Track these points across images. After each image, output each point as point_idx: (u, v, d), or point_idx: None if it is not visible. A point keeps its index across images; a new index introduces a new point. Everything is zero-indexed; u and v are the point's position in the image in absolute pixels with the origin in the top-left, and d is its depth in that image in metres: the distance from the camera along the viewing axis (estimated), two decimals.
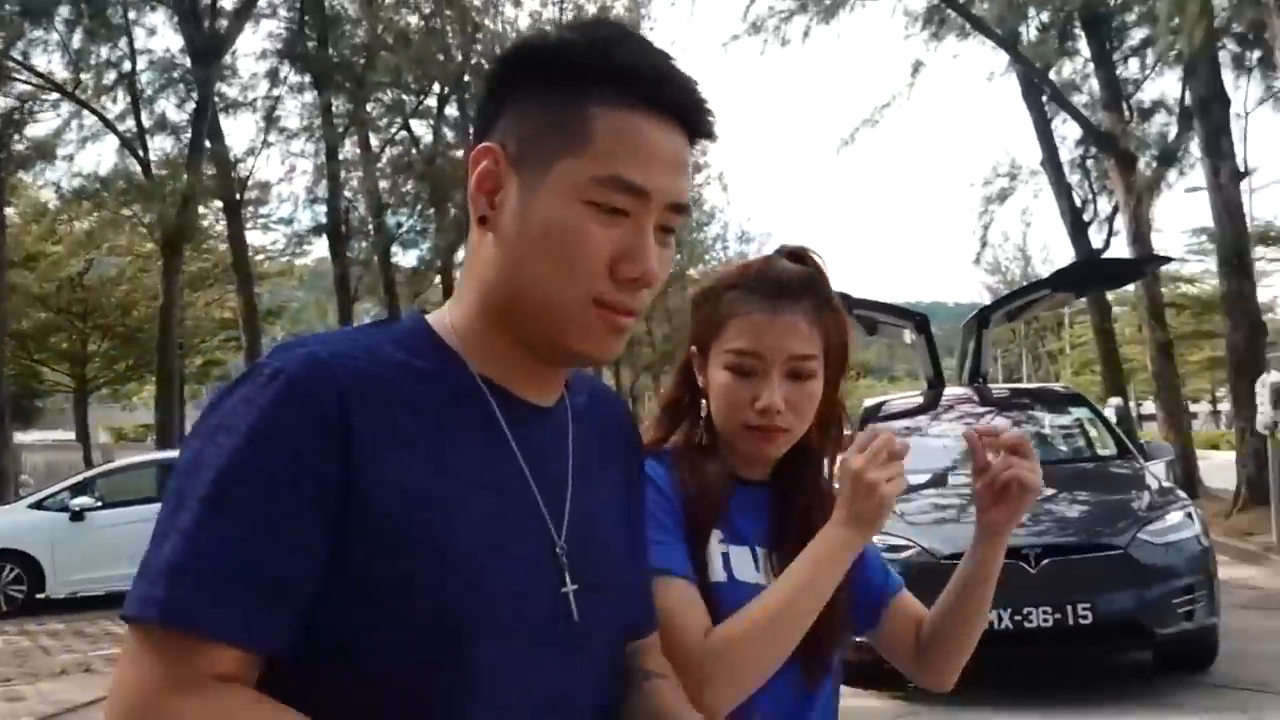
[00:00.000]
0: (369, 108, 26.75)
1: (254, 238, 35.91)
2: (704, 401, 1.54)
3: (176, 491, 0.91)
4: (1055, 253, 70.95)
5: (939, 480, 7.51)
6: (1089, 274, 11.10)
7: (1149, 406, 28.41)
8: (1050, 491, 7.21)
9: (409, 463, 0.95)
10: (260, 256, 36.52)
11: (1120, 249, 19.07)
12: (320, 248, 29.19)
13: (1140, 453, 8.01)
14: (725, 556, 1.46)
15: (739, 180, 71.60)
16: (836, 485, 1.45)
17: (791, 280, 1.48)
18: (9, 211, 27.17)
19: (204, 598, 0.87)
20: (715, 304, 1.51)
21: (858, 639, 1.62)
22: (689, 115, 1.03)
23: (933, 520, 6.79)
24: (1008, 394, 9.14)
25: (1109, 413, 18.35)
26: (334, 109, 24.93)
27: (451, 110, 30.64)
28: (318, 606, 0.91)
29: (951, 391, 9.01)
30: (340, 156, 26.08)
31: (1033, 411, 8.58)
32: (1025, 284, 9.88)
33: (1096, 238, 20.80)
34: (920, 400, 8.92)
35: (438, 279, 29.06)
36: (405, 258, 31.84)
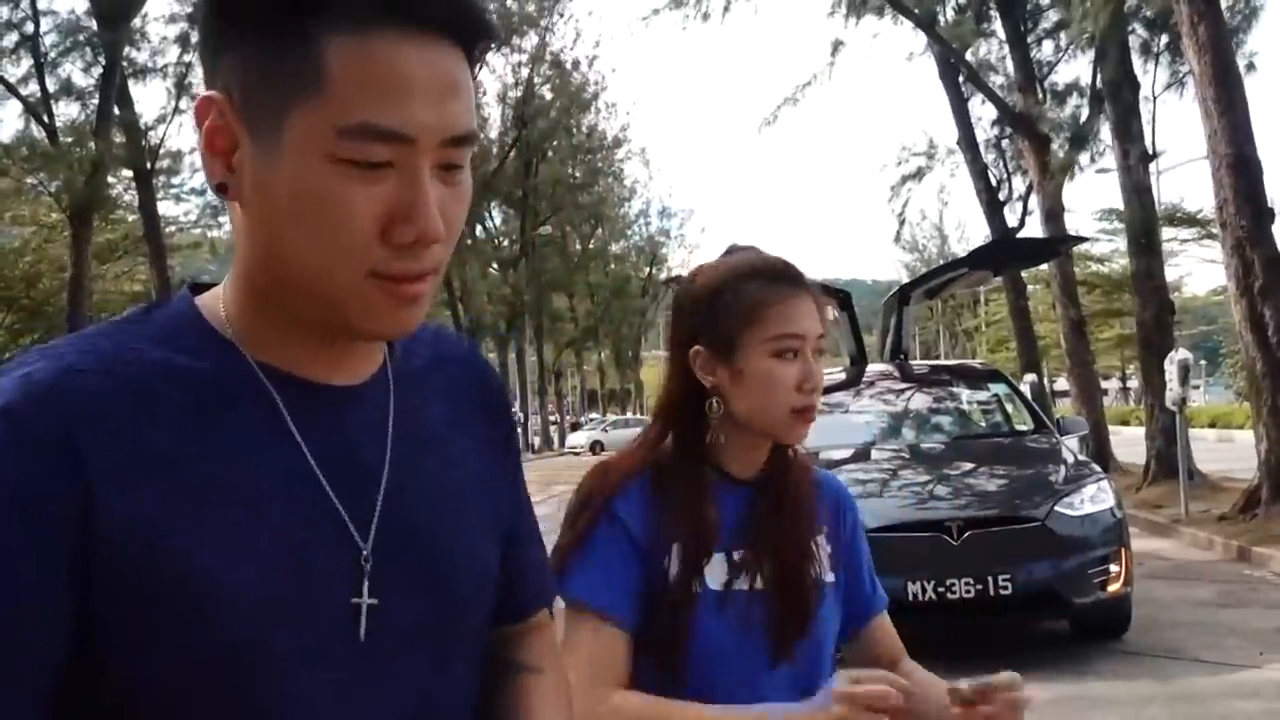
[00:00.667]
0: None
1: (166, 208, 34.99)
2: (714, 401, 1.50)
3: None
4: (971, 231, 72.40)
5: (862, 455, 7.62)
6: (1005, 253, 11.33)
7: (1062, 383, 29.07)
8: (970, 465, 7.37)
9: (163, 489, 0.79)
10: (172, 228, 35.59)
11: (1034, 228, 19.48)
12: None
13: (1056, 428, 8.20)
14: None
15: (662, 156, 71.57)
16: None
17: (793, 268, 1.54)
18: None
19: None
20: (739, 296, 1.49)
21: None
22: (454, 21, 0.82)
23: (857, 495, 6.87)
24: (928, 370, 9.29)
25: (1025, 389, 18.81)
26: None
27: None
28: (73, 677, 0.77)
29: (873, 368, 9.13)
30: None
31: (952, 387, 8.74)
32: (944, 262, 10.07)
33: (1011, 217, 21.22)
34: (843, 377, 9.02)
35: None
36: None
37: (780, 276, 1.51)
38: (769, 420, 1.49)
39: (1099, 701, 5.58)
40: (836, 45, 20.93)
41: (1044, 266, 19.75)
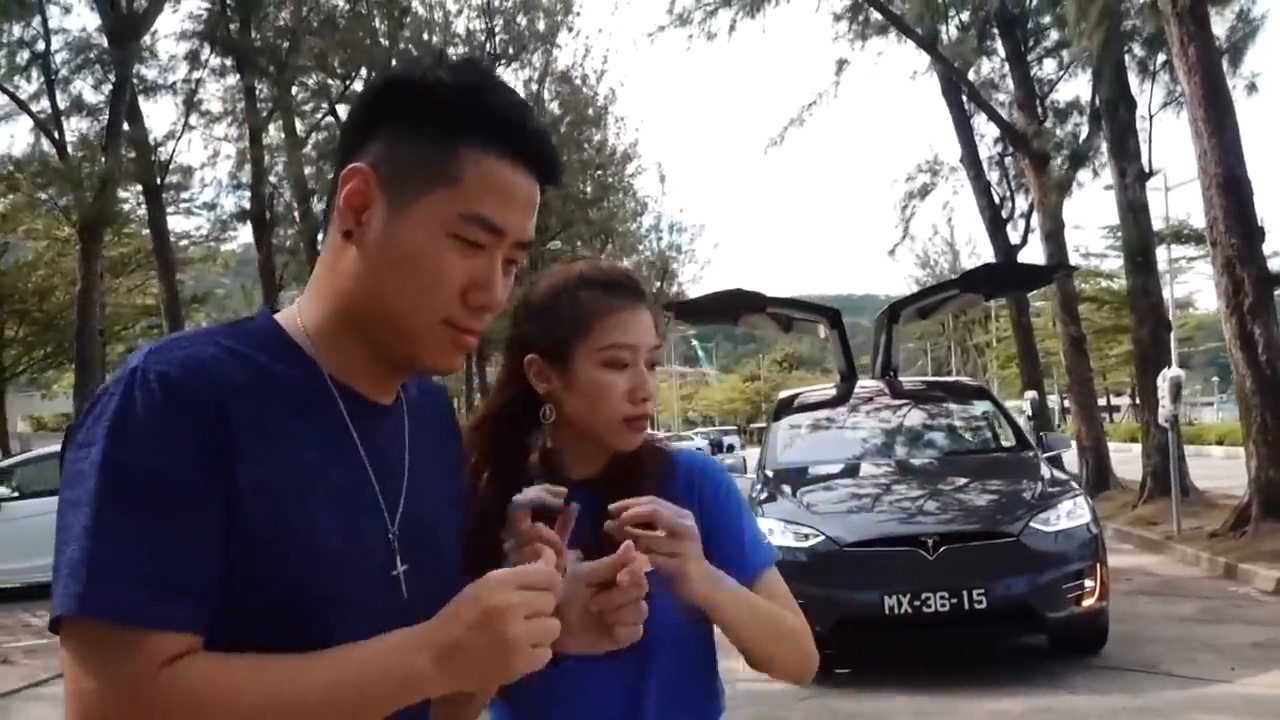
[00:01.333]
0: (293, 92, 26.37)
1: (177, 223, 35.30)
2: (547, 408, 1.52)
3: (83, 495, 0.97)
4: (982, 247, 72.25)
5: (851, 470, 7.73)
6: (997, 277, 11.34)
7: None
8: (950, 482, 7.47)
9: (271, 462, 1.03)
10: (184, 242, 35.88)
11: (1036, 246, 19.56)
12: (245, 234, 28.71)
13: (1039, 445, 8.29)
14: None
15: (674, 171, 71.68)
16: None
17: (631, 278, 1.54)
18: None
19: (141, 592, 0.94)
20: (573, 305, 1.50)
21: None
22: (543, 164, 1.13)
23: (840, 510, 6.99)
24: (916, 387, 9.38)
25: (1024, 406, 18.84)
26: (257, 93, 24.55)
27: None
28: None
29: (864, 384, 9.25)
30: (264, 141, 25.71)
31: (938, 404, 8.84)
32: (935, 283, 10.15)
33: (1014, 234, 21.31)
34: (834, 393, 9.14)
35: None
36: None
37: (615, 287, 1.52)
38: (601, 428, 1.50)
39: (1067, 714, 5.67)
40: (841, 64, 21.13)
41: None
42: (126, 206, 25.84)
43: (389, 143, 1.09)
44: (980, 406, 8.71)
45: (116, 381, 1.02)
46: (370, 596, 1.09)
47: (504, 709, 1.56)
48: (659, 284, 65.95)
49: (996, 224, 21.05)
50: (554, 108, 43.23)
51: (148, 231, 25.76)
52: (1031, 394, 18.82)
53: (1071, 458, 16.64)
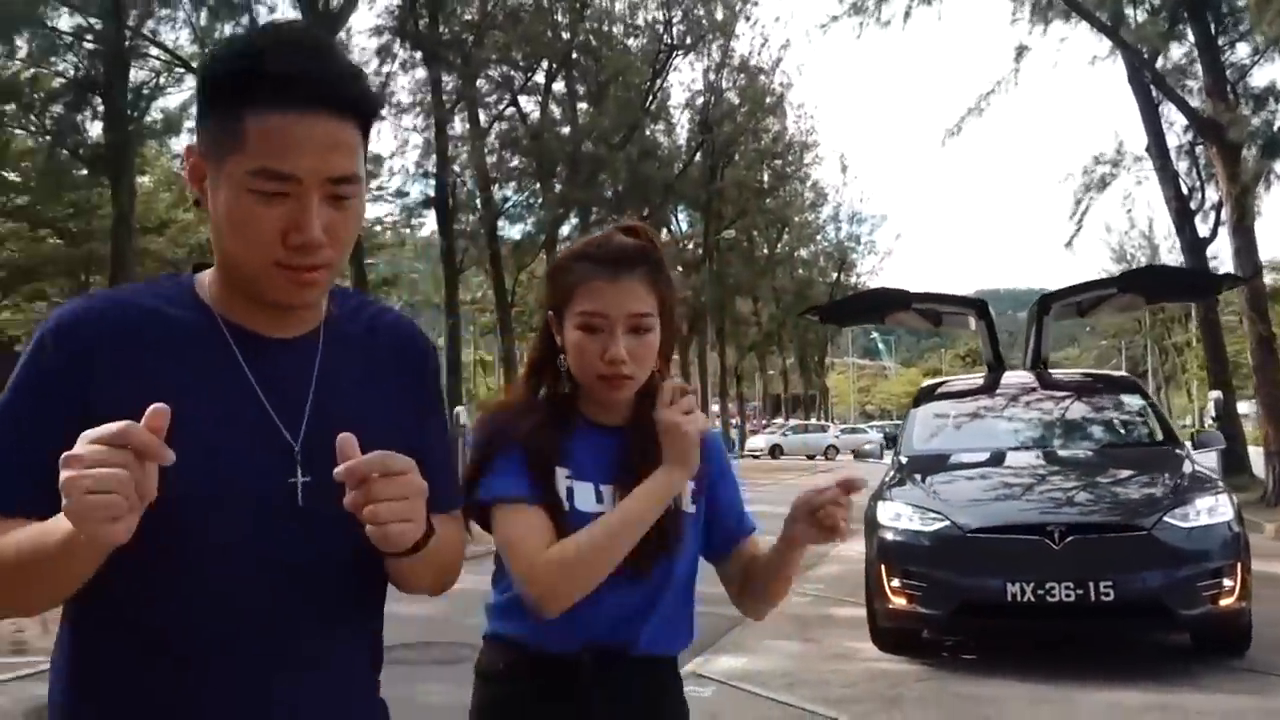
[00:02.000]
0: (478, 84, 27.39)
1: (372, 210, 37.08)
2: (563, 357, 1.78)
3: None
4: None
5: (985, 460, 7.71)
6: (1160, 281, 10.68)
7: None
8: (1088, 473, 7.38)
9: (145, 390, 1.16)
10: (379, 227, 37.68)
11: (1225, 241, 18.62)
12: (433, 221, 30.06)
13: (1193, 442, 8.06)
14: (570, 490, 1.75)
15: (856, 161, 70.67)
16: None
17: (628, 251, 1.76)
18: (144, 180, 28.69)
19: None
20: (566, 274, 1.77)
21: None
22: (343, 103, 1.25)
23: (967, 497, 7.02)
24: (1065, 378, 9.21)
25: (1209, 407, 18.00)
26: (444, 85, 25.64)
27: (559, 86, 31.25)
28: None
29: (1012, 375, 9.16)
30: (449, 132, 26.82)
31: (1088, 396, 8.68)
32: (1092, 280, 9.71)
33: (1203, 227, 20.35)
34: (979, 383, 9.08)
35: (542, 253, 29.68)
36: (511, 231, 32.53)
37: (604, 260, 1.74)
38: (584, 383, 1.76)
39: (1190, 711, 5.58)
40: (1021, 50, 20.59)
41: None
42: None
43: (201, 124, 1.28)
44: (1129, 400, 8.51)
45: (39, 328, 1.31)
46: (257, 500, 1.26)
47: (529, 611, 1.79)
48: (836, 275, 65.35)
49: (1184, 216, 20.13)
50: (731, 96, 43.55)
51: None
52: (1216, 394, 17.93)
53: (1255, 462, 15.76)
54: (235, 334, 1.31)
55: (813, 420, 57.61)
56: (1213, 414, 17.74)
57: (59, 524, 1.10)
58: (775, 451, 47.60)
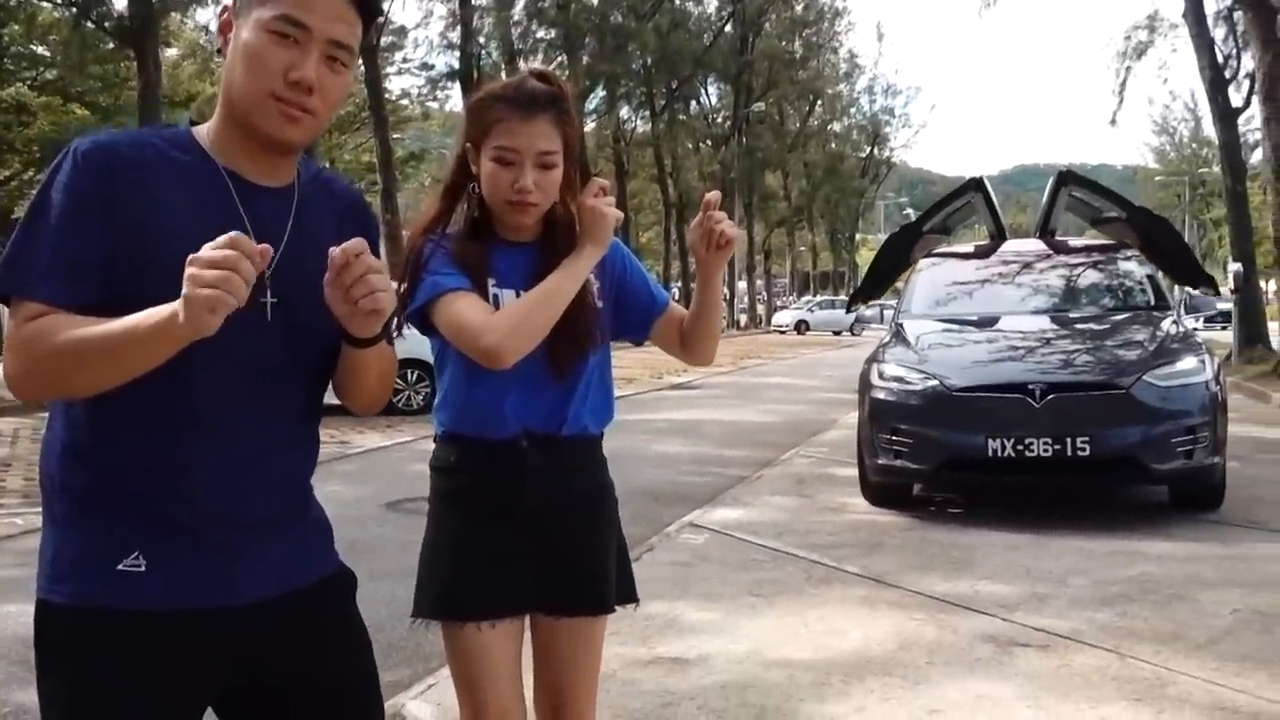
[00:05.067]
0: None
1: (397, 82, 36.86)
2: (474, 185, 2.09)
3: (27, 211, 1.50)
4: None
5: (976, 323, 7.93)
6: (1156, 236, 9.60)
7: None
8: (1074, 335, 7.61)
9: (155, 213, 1.49)
10: (404, 100, 37.50)
11: (1256, 109, 18.32)
12: (458, 95, 29.92)
13: (1186, 305, 8.21)
14: (496, 296, 2.08)
15: (889, 31, 68.97)
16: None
17: (539, 95, 2.03)
18: (171, 52, 28.71)
19: (25, 274, 1.47)
20: (485, 112, 2.04)
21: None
22: None
23: (954, 357, 7.28)
24: (1068, 245, 9.31)
25: (1229, 278, 18.01)
26: None
27: None
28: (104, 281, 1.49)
29: (1016, 243, 9.31)
30: (474, 2, 26.52)
31: (1087, 264, 8.83)
32: (1109, 189, 9.32)
33: (1237, 96, 20.03)
34: (972, 249, 9.28)
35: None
36: None
37: (518, 101, 2.01)
38: (495, 208, 2.08)
39: (1151, 556, 5.89)
40: None
41: (1258, 152, 18.54)
42: None
43: None
44: (1129, 267, 8.64)
45: (64, 153, 1.53)
46: (234, 313, 1.41)
47: (464, 398, 2.14)
48: (870, 148, 64.47)
49: (1217, 85, 19.80)
50: None
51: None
52: (1236, 266, 17.89)
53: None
54: (230, 177, 1.57)
55: (840, 296, 57.57)
56: (1232, 286, 17.73)
57: (152, 314, 1.36)
58: (801, 327, 47.77)
